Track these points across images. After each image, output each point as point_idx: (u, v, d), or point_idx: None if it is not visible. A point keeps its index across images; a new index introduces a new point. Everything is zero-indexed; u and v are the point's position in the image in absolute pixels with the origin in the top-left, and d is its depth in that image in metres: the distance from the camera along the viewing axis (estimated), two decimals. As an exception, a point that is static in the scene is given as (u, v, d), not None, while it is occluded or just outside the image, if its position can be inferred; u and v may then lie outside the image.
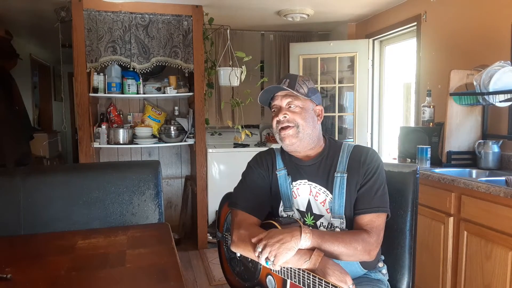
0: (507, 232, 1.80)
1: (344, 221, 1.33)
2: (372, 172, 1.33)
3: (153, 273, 1.15)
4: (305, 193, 1.39)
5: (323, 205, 1.36)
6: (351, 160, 1.36)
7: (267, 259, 1.15)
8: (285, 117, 1.35)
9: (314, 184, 1.37)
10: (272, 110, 1.41)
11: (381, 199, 1.32)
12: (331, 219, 1.34)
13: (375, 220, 1.29)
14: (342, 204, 1.32)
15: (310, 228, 1.22)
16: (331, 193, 1.34)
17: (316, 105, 1.41)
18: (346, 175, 1.34)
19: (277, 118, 1.37)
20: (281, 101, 1.37)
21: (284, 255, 1.14)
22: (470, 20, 2.76)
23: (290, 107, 1.36)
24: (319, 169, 1.38)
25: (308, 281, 1.14)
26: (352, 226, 1.33)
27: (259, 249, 1.17)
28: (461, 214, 2.08)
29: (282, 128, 1.35)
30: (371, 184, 1.32)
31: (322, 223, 1.36)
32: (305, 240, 1.17)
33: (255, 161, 1.48)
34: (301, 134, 1.35)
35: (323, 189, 1.36)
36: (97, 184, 1.70)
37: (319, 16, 3.95)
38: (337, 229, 1.32)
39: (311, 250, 1.18)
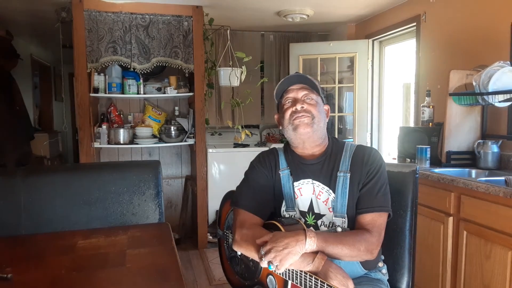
0: (506, 232, 1.80)
1: (346, 220, 1.33)
2: (375, 172, 1.34)
3: (153, 273, 1.15)
4: (308, 192, 1.39)
5: (326, 204, 1.36)
6: (354, 159, 1.37)
7: (270, 262, 1.15)
8: (302, 107, 1.36)
9: (317, 183, 1.38)
10: (286, 102, 1.40)
11: (383, 199, 1.32)
12: (333, 218, 1.34)
13: (376, 220, 1.30)
14: (344, 203, 1.33)
15: (314, 231, 1.21)
16: (334, 192, 1.35)
17: (324, 103, 1.44)
18: (349, 174, 1.35)
19: (293, 108, 1.37)
20: (297, 93, 1.39)
21: (289, 260, 1.15)
22: (470, 20, 2.77)
23: (305, 99, 1.38)
24: (322, 168, 1.38)
25: (310, 283, 1.14)
26: (354, 225, 1.33)
27: (263, 252, 1.17)
28: (461, 214, 2.08)
29: (298, 117, 1.35)
30: (373, 184, 1.33)
31: (323, 222, 1.37)
32: (310, 244, 1.17)
33: (258, 160, 1.49)
34: (315, 125, 1.36)
35: (326, 188, 1.36)
36: (98, 184, 1.70)
37: (319, 17, 3.95)
38: (339, 228, 1.33)
39: (315, 253, 1.18)
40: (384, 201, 1.33)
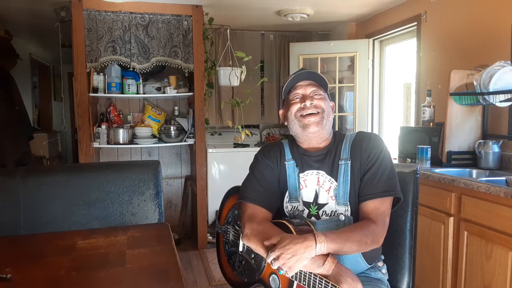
0: (507, 232, 1.80)
1: (349, 208, 1.33)
2: (376, 157, 1.33)
3: (153, 273, 1.15)
4: (312, 183, 1.39)
5: (328, 193, 1.36)
6: (354, 146, 1.37)
7: (280, 268, 1.15)
8: (311, 103, 1.36)
9: (322, 173, 1.38)
10: (294, 98, 1.40)
11: (386, 184, 1.31)
12: (336, 206, 1.34)
13: (379, 207, 1.29)
14: (346, 191, 1.33)
15: (323, 234, 1.19)
16: (336, 180, 1.35)
17: (330, 100, 1.45)
18: (350, 161, 1.35)
19: (301, 104, 1.37)
20: (305, 90, 1.39)
21: (297, 266, 1.15)
22: (470, 20, 2.76)
23: (314, 95, 1.38)
24: (325, 158, 1.39)
25: (320, 285, 1.14)
26: (357, 213, 1.33)
27: (272, 257, 1.17)
28: (461, 214, 2.07)
29: (307, 115, 1.36)
30: (375, 170, 1.32)
31: (325, 211, 1.36)
32: (321, 249, 1.16)
33: (262, 152, 1.49)
34: (324, 121, 1.37)
35: (329, 177, 1.37)
36: (97, 184, 1.69)
37: (319, 16, 3.95)
38: (342, 216, 1.32)
39: (325, 255, 1.18)
40: (387, 186, 1.31)
